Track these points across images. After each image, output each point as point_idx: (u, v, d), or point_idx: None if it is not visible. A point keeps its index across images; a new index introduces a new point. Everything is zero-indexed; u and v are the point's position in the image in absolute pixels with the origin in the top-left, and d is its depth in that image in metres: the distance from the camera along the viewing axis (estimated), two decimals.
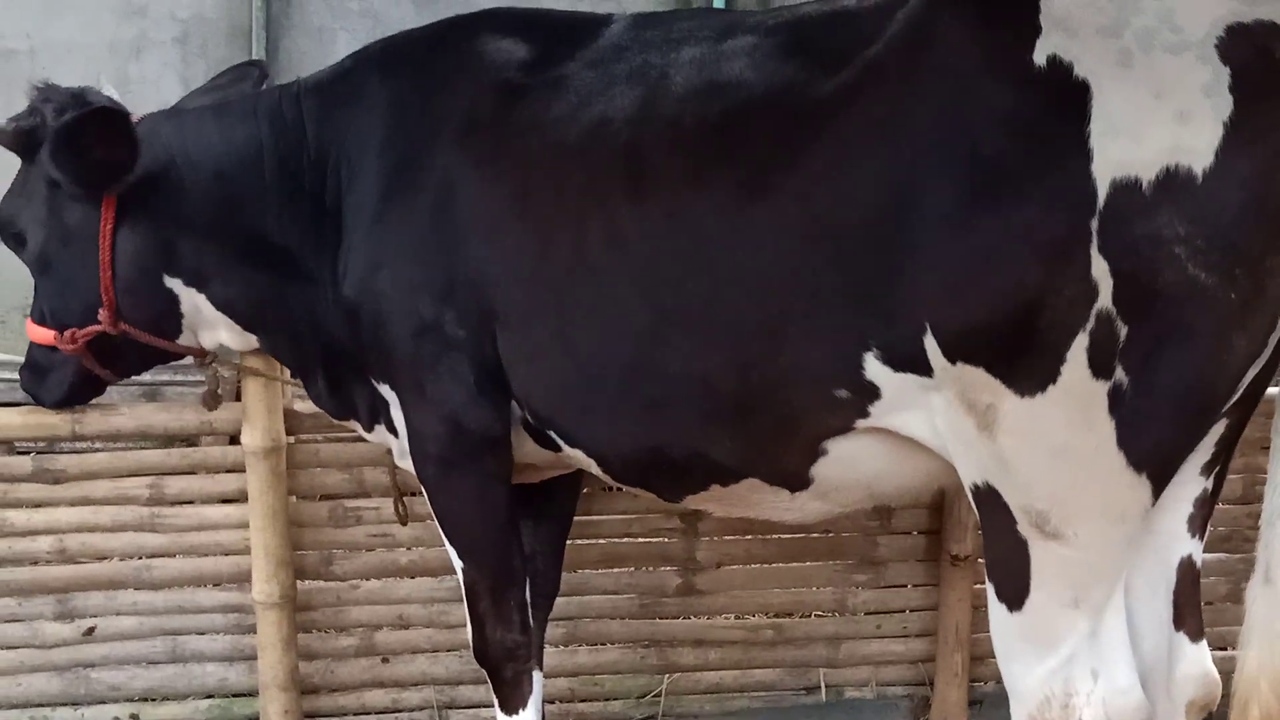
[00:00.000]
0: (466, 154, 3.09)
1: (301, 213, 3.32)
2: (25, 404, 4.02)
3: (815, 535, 4.17)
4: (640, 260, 2.82)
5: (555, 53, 3.13)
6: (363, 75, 3.36)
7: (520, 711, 3.45)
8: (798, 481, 2.89)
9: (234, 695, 4.08)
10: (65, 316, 3.45)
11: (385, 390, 3.30)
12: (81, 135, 3.20)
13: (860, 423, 2.71)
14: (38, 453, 3.93)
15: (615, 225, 2.85)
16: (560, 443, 3.12)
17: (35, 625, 3.98)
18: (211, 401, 3.69)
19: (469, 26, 3.33)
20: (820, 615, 4.26)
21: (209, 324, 3.48)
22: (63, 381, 3.60)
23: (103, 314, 3.38)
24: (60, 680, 4.01)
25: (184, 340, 3.51)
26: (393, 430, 3.39)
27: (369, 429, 3.49)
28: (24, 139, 3.39)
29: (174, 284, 3.40)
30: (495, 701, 3.48)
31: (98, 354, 3.49)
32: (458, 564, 3.36)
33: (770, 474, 2.90)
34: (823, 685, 4.24)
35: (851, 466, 2.82)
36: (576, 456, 3.14)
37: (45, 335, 3.49)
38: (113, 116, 3.24)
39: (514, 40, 3.21)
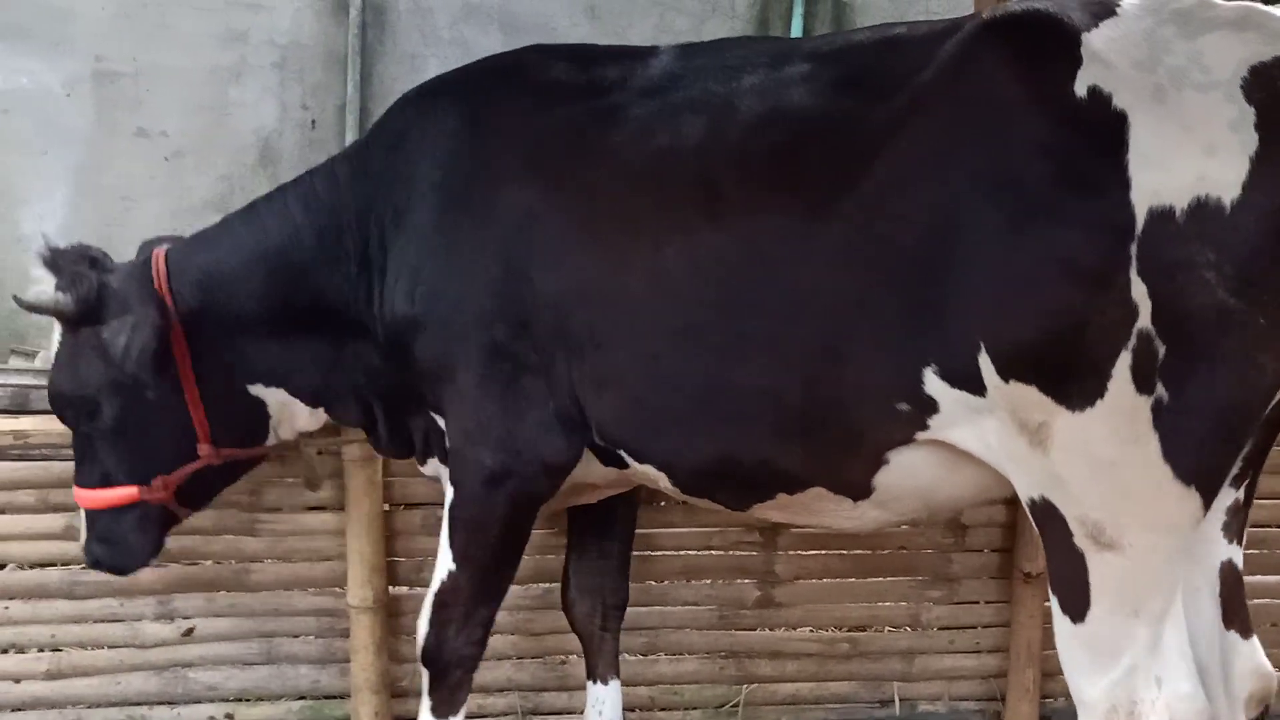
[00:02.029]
0: (532, 181, 3.15)
1: (348, 272, 3.41)
2: None
3: (890, 551, 4.26)
4: (715, 284, 2.91)
5: (606, 80, 3.21)
6: (402, 121, 3.45)
7: (451, 718, 3.49)
8: (860, 490, 2.99)
9: (326, 697, 4.18)
10: (154, 466, 3.46)
11: (441, 421, 3.36)
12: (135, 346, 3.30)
13: (920, 435, 2.82)
14: None
15: (690, 250, 2.94)
16: (629, 460, 3.20)
17: (136, 625, 4.09)
18: (315, 481, 3.85)
19: (513, 62, 3.43)
20: (894, 630, 4.34)
21: (291, 415, 3.60)
22: (149, 537, 3.55)
23: (203, 448, 3.46)
24: (158, 679, 4.11)
25: (270, 441, 3.63)
26: (445, 460, 3.45)
27: (422, 462, 3.58)
28: (83, 309, 3.35)
29: (257, 389, 3.52)
30: (426, 704, 3.48)
31: (183, 493, 3.53)
32: (447, 566, 3.36)
33: (836, 483, 3.00)
34: (896, 699, 4.31)
35: (910, 476, 2.92)
36: (645, 472, 3.21)
37: (123, 494, 3.45)
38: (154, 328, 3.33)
39: (561, 69, 3.30)
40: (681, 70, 3.16)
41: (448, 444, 3.37)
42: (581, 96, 3.21)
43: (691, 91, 3.08)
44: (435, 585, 3.40)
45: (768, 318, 2.86)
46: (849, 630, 4.31)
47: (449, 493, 3.38)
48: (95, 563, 3.58)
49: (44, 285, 3.40)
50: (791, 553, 4.22)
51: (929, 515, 3.20)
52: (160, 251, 3.50)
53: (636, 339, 3.03)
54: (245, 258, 3.46)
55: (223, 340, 3.45)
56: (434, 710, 3.48)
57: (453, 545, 3.36)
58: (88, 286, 3.36)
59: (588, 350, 3.09)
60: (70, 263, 3.42)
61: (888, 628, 4.34)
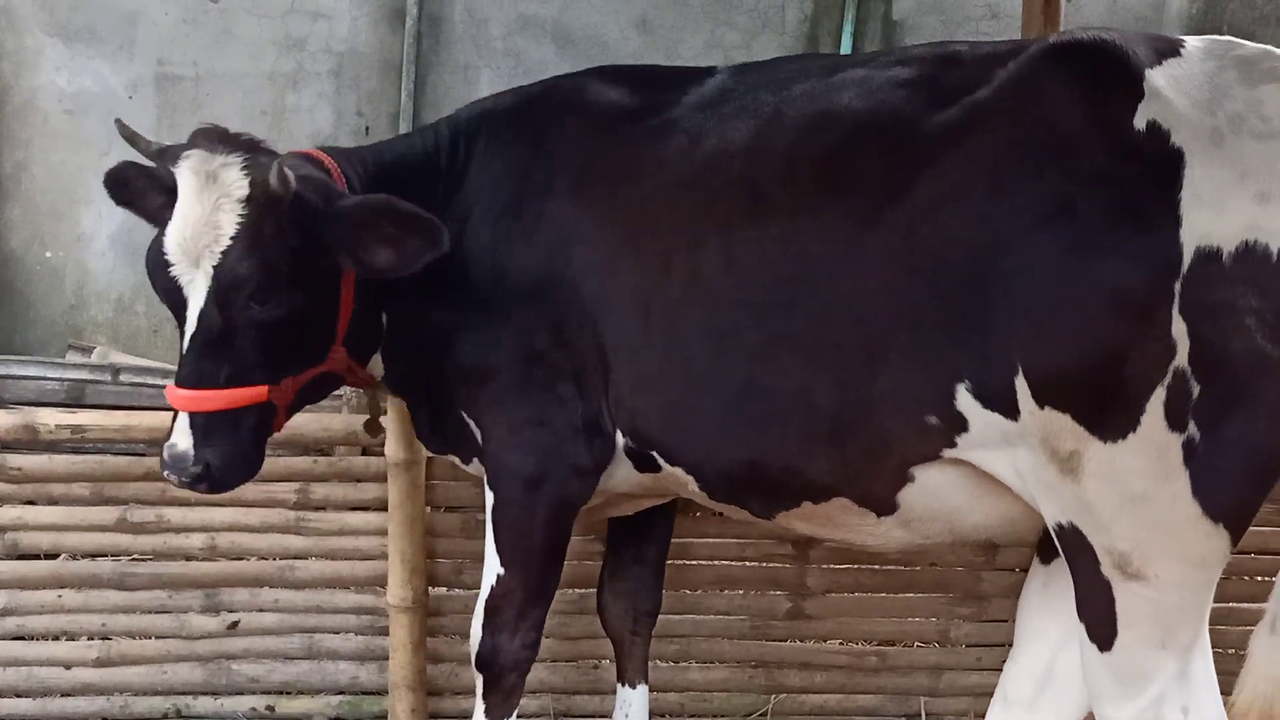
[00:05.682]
0: (580, 200, 3.25)
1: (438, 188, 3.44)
2: None
3: (921, 568, 4.30)
4: (754, 286, 2.96)
5: (662, 100, 3.30)
6: (477, 135, 3.51)
7: None
8: (885, 506, 3.01)
9: (364, 693, 4.28)
10: (288, 367, 3.21)
11: (472, 423, 3.43)
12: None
13: (947, 452, 2.85)
14: None
15: (730, 253, 2.99)
16: (662, 463, 3.25)
17: (183, 618, 4.21)
18: (374, 429, 3.85)
19: (576, 86, 3.50)
20: (923, 645, 4.38)
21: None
22: (258, 449, 3.25)
23: (336, 352, 3.34)
24: (203, 670, 4.22)
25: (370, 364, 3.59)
26: (469, 460, 3.53)
27: (467, 461, 3.60)
28: (281, 191, 3.05)
29: (382, 313, 3.50)
30: (480, 709, 3.54)
31: (297, 399, 3.35)
32: (496, 571, 3.42)
33: (860, 495, 3.02)
34: (923, 714, 4.35)
35: (936, 496, 2.95)
36: (675, 475, 3.26)
37: (251, 393, 3.11)
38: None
39: (620, 91, 3.39)
40: (734, 84, 3.24)
41: (483, 446, 3.43)
42: (638, 117, 3.29)
43: (742, 102, 3.15)
44: (486, 590, 3.46)
45: (803, 319, 2.90)
46: (878, 644, 4.35)
47: (490, 496, 3.45)
48: (204, 471, 3.12)
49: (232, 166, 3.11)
50: (824, 566, 4.28)
51: (954, 541, 3.23)
52: (328, 159, 3.39)
53: (674, 342, 3.08)
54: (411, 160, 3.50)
55: None
56: (488, 714, 3.54)
57: (499, 549, 3.42)
58: (261, 172, 3.07)
59: (625, 355, 3.16)
60: (243, 146, 3.18)
61: (917, 643, 4.39)
